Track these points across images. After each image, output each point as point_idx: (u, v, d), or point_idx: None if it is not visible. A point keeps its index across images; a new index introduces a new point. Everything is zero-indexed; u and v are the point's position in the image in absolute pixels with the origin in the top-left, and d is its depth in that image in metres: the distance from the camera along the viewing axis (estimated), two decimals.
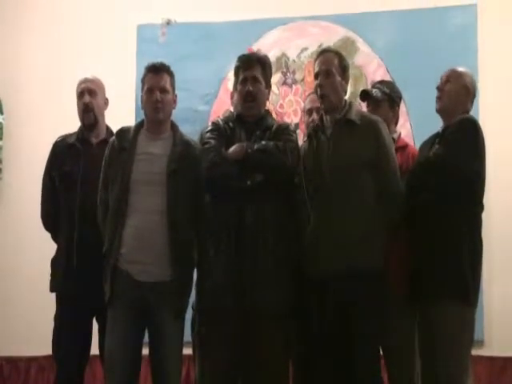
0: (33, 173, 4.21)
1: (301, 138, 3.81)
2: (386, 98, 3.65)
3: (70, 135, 3.79)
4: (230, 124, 3.38)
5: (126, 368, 3.24)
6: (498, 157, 4.37)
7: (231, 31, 5.36)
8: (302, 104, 4.73)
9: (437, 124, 3.46)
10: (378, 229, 3.22)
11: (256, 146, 3.24)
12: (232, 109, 3.88)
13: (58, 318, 3.63)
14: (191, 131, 3.66)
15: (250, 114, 3.38)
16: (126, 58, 5.40)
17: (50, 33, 5.61)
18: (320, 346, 3.21)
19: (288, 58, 5.35)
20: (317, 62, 3.38)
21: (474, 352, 3.38)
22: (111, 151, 3.41)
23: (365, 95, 3.70)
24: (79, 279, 3.50)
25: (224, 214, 3.23)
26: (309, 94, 3.94)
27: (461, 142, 3.25)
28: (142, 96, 3.43)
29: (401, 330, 3.39)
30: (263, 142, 3.26)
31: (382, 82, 3.86)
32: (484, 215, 3.37)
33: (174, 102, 3.45)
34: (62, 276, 3.61)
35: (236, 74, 3.43)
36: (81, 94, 3.76)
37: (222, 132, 3.36)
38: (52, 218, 3.74)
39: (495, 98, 4.93)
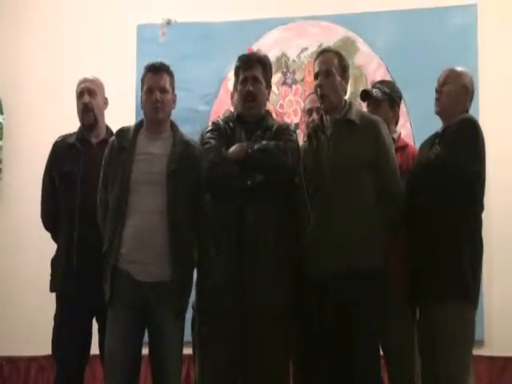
0: (33, 173, 4.21)
1: (301, 138, 3.81)
2: (387, 98, 3.65)
3: (70, 135, 3.79)
4: (231, 124, 3.38)
5: (126, 368, 3.24)
6: (498, 157, 4.38)
7: (231, 31, 5.35)
8: (302, 104, 4.73)
9: (437, 124, 3.46)
10: (378, 229, 3.22)
11: (256, 146, 3.24)
12: (232, 109, 3.88)
13: (57, 318, 3.63)
14: (191, 131, 3.66)
15: (251, 114, 3.38)
16: (126, 58, 5.40)
17: (50, 33, 5.61)
18: (320, 346, 3.21)
19: (288, 58, 5.35)
20: (317, 62, 3.38)
21: (474, 352, 3.37)
22: (111, 151, 3.41)
23: (365, 95, 3.70)
24: (79, 279, 3.50)
25: (224, 214, 3.22)
26: (309, 94, 3.94)
27: (461, 142, 3.25)
28: (141, 96, 3.43)
29: (401, 330, 3.39)
30: (264, 142, 3.26)
31: (382, 82, 3.87)
32: (484, 215, 3.37)
33: (174, 101, 3.45)
34: (62, 276, 3.61)
35: (236, 74, 3.43)
36: (80, 94, 3.76)
37: (223, 132, 3.35)
38: (52, 217, 3.74)
39: (495, 97, 4.93)
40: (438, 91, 3.42)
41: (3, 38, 5.66)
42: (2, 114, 5.55)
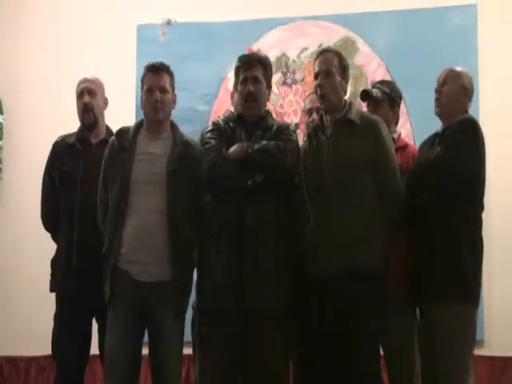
0: (33, 173, 4.21)
1: (301, 138, 3.81)
2: (387, 98, 3.65)
3: (70, 135, 3.79)
4: (231, 124, 3.38)
5: (126, 368, 3.24)
6: (498, 157, 4.37)
7: (231, 31, 5.35)
8: (302, 104, 4.73)
9: (437, 124, 3.46)
10: (378, 229, 3.22)
11: (257, 146, 3.24)
12: (232, 109, 3.88)
13: (57, 318, 3.64)
14: (191, 131, 3.66)
15: (251, 114, 3.38)
16: (126, 58, 5.40)
17: (50, 33, 5.61)
18: (320, 346, 3.21)
19: (288, 58, 5.35)
20: (317, 62, 3.38)
21: (474, 352, 3.37)
22: (111, 151, 3.41)
23: (365, 95, 3.70)
24: (79, 279, 3.50)
25: (224, 213, 3.22)
26: (309, 94, 3.94)
27: (461, 142, 3.25)
28: (141, 96, 3.43)
29: (401, 330, 3.39)
30: (264, 142, 3.26)
31: (382, 82, 3.87)
32: (484, 215, 3.37)
33: (174, 101, 3.45)
34: (62, 276, 3.61)
35: (236, 74, 3.43)
36: (80, 94, 3.76)
37: (223, 132, 3.35)
38: (52, 217, 3.74)
39: (495, 97, 4.93)
40: (438, 92, 3.42)
41: (3, 38, 5.66)
42: (2, 113, 5.56)
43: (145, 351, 3.29)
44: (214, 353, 3.20)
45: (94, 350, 3.62)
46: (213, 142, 3.30)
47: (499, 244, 4.61)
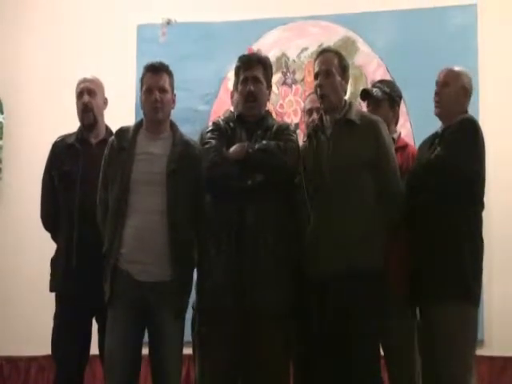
0: (33, 173, 4.20)
1: (301, 138, 3.80)
2: (387, 98, 3.65)
3: (70, 135, 3.79)
4: (231, 124, 3.38)
5: (126, 368, 3.24)
6: (498, 157, 4.38)
7: (231, 31, 5.35)
8: (302, 104, 4.73)
9: (437, 124, 3.46)
10: (378, 229, 3.22)
11: (257, 146, 3.25)
12: (232, 109, 3.88)
13: (57, 318, 3.64)
14: (191, 131, 3.66)
15: (251, 114, 3.38)
16: (126, 58, 5.40)
17: (50, 33, 5.61)
18: (320, 346, 3.21)
19: (288, 58, 5.35)
20: (317, 62, 3.38)
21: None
22: (110, 151, 3.41)
23: (365, 95, 3.69)
24: (79, 279, 3.50)
25: (225, 213, 3.22)
26: (309, 94, 3.94)
27: (461, 142, 3.25)
28: (141, 96, 3.43)
29: (401, 330, 3.39)
30: (264, 142, 3.26)
31: (382, 82, 3.87)
32: (484, 215, 3.37)
33: (173, 101, 3.44)
34: (62, 276, 3.61)
35: (237, 74, 3.43)
36: (80, 94, 3.76)
37: (223, 132, 3.36)
38: (52, 217, 3.74)
39: (495, 98, 4.93)
40: (438, 92, 3.42)
41: (3, 37, 5.66)
42: (2, 113, 5.56)
43: (145, 351, 3.29)
44: (214, 353, 3.20)
45: (94, 349, 3.62)
46: (213, 141, 3.31)
47: (499, 244, 4.61)
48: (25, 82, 5.56)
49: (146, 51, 5.31)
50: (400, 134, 3.76)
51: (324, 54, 3.41)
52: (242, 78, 3.37)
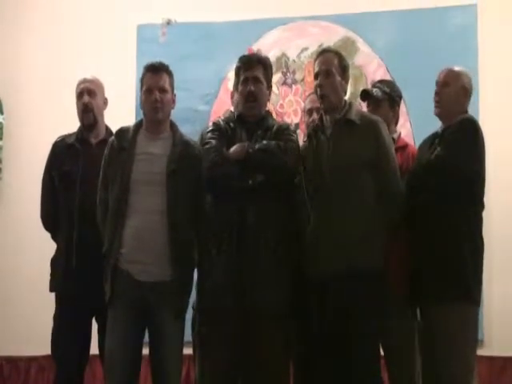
0: (33, 173, 4.20)
1: (301, 138, 3.80)
2: (387, 98, 3.65)
3: (70, 135, 3.79)
4: (231, 124, 3.38)
5: (126, 368, 3.24)
6: (498, 157, 4.38)
7: (231, 31, 5.35)
8: (302, 104, 4.73)
9: (437, 124, 3.46)
10: (378, 229, 3.22)
11: (257, 146, 3.25)
12: (232, 109, 3.88)
13: (57, 318, 3.64)
14: (191, 131, 3.67)
15: (251, 114, 3.38)
16: (126, 58, 5.40)
17: (50, 33, 5.61)
18: (320, 345, 3.21)
19: (288, 58, 5.35)
20: (317, 62, 3.38)
21: None
22: (110, 151, 3.41)
23: (365, 95, 3.69)
24: (79, 279, 3.50)
25: (225, 213, 3.23)
26: (309, 94, 3.94)
27: (461, 142, 3.25)
28: (140, 96, 3.43)
29: (401, 330, 3.39)
30: (264, 142, 3.27)
31: (382, 82, 3.87)
32: (484, 215, 3.37)
33: (173, 101, 3.44)
34: (62, 276, 3.61)
35: (237, 75, 3.43)
36: (80, 95, 3.76)
37: (223, 132, 3.36)
38: (52, 217, 3.74)
39: (495, 98, 4.93)
40: (438, 92, 3.42)
41: (3, 37, 5.66)
42: (2, 113, 5.56)
43: (145, 351, 3.29)
44: (214, 353, 3.20)
45: (94, 349, 3.63)
46: (213, 142, 3.31)
47: (499, 244, 4.61)
48: (25, 82, 5.56)
49: (146, 51, 5.31)
50: (400, 134, 3.76)
51: (324, 54, 3.41)
52: (242, 78, 3.38)
